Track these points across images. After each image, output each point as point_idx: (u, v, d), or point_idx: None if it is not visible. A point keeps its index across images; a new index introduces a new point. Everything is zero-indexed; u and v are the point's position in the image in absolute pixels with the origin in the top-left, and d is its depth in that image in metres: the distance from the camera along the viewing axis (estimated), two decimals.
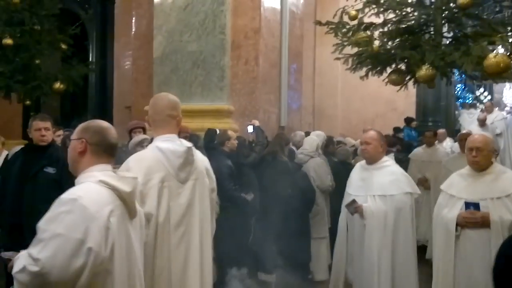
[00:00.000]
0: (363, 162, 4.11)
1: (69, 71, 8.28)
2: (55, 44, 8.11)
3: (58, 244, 1.74)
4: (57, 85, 7.99)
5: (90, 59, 11.21)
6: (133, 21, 8.01)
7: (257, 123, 6.07)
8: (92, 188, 1.91)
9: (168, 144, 2.48)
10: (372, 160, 3.95)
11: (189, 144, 2.53)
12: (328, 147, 6.47)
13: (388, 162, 4.02)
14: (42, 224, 1.80)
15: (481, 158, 3.41)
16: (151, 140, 5.77)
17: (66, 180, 3.67)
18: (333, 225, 5.93)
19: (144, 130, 6.00)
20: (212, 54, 6.72)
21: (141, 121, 6.37)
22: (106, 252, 1.83)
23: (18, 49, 7.73)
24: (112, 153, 2.07)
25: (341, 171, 6.27)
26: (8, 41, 7.45)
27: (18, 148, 4.98)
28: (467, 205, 3.39)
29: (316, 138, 6.13)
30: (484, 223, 3.28)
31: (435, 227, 3.62)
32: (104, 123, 2.12)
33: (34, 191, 4.02)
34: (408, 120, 9.79)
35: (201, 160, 2.67)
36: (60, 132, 5.53)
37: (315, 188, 5.62)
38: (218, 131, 5.81)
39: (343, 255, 4.10)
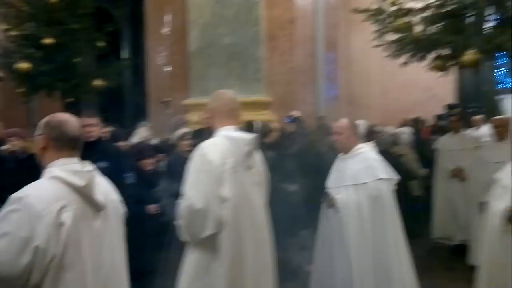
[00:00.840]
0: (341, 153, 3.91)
1: (107, 68, 8.41)
2: (92, 42, 8.23)
3: (5, 242, 1.77)
4: (96, 82, 8.13)
5: (123, 56, 11.35)
6: (168, 16, 8.04)
7: (297, 113, 6.04)
8: (42, 185, 1.92)
9: (236, 133, 2.63)
10: (345, 150, 3.76)
11: (253, 134, 2.69)
12: (370, 136, 6.35)
13: (363, 149, 3.74)
14: None
15: None
16: (194, 133, 5.88)
17: (117, 173, 3.83)
18: None
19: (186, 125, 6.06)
20: (247, 46, 6.69)
21: (182, 116, 6.45)
22: (58, 249, 1.83)
23: (58, 48, 7.90)
24: (74, 145, 2.07)
25: (384, 159, 6.17)
26: (49, 40, 7.62)
27: None
28: None
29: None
30: None
31: (487, 224, 3.34)
32: (63, 116, 2.11)
33: None
34: (450, 107, 9.52)
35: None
36: (107, 128, 5.63)
37: None
38: (257, 123, 5.80)
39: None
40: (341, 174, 3.75)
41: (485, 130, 8.34)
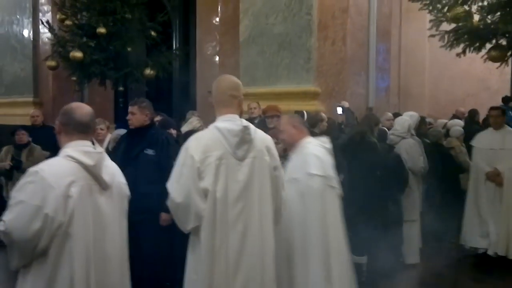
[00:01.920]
0: None
1: (158, 57, 8.59)
2: (145, 32, 8.41)
3: (19, 209, 2.07)
4: (148, 71, 8.33)
5: (174, 46, 11.55)
6: (219, 6, 8.14)
7: (346, 104, 6.01)
8: (56, 162, 2.22)
9: (226, 124, 2.54)
10: (290, 147, 3.58)
11: (246, 123, 2.57)
12: (421, 128, 6.25)
13: (308, 144, 3.48)
14: (12, 192, 2.15)
15: None
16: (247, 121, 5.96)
17: (165, 161, 3.91)
18: (425, 208, 5.79)
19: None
20: (298, 36, 6.68)
21: None
22: (65, 218, 2.11)
23: (111, 37, 8.12)
24: (83, 130, 2.31)
25: (434, 152, 6.07)
26: (101, 30, 7.86)
27: (117, 132, 5.26)
28: None
29: (408, 118, 5.94)
30: None
31: None
32: (74, 104, 2.40)
33: (136, 172, 4.09)
34: (506, 99, 9.19)
35: (262, 138, 2.69)
36: (157, 117, 5.78)
37: (407, 170, 5.47)
38: (306, 113, 5.81)
39: None
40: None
41: None
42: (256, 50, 7.09)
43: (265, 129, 5.67)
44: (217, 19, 9.31)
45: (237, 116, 2.60)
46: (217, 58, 10.04)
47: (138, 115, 4.31)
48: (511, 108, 8.90)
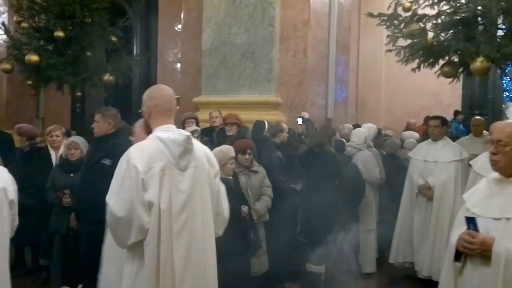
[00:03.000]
0: None
1: (118, 63, 8.45)
2: (106, 37, 8.28)
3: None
4: (107, 76, 8.19)
5: (135, 52, 11.41)
6: (182, 14, 8.12)
7: (307, 115, 6.12)
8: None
9: (168, 134, 2.51)
10: None
11: (187, 133, 2.57)
12: (377, 139, 6.44)
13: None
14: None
15: (503, 157, 2.39)
16: (207, 130, 5.94)
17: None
18: (381, 218, 5.94)
19: (196, 121, 6.14)
20: (261, 46, 6.77)
21: (193, 113, 6.53)
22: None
23: (69, 41, 7.93)
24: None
25: (390, 163, 6.26)
26: (59, 33, 7.66)
27: (72, 139, 5.15)
28: (468, 222, 2.39)
29: (365, 130, 6.11)
30: (484, 252, 2.29)
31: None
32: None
33: (93, 181, 4.06)
34: (457, 113, 9.63)
35: (200, 148, 2.70)
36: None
37: (364, 181, 5.62)
38: (267, 123, 5.88)
39: None
40: None
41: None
42: (219, 59, 7.13)
43: (224, 137, 5.74)
44: (180, 26, 9.29)
45: (174, 126, 2.59)
46: (178, 66, 10.01)
47: (101, 123, 4.27)
48: (459, 121, 9.33)
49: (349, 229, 5.19)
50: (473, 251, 2.32)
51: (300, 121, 6.05)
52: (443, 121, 5.38)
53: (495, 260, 2.24)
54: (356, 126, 6.85)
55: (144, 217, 2.36)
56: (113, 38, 8.38)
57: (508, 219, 2.30)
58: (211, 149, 4.57)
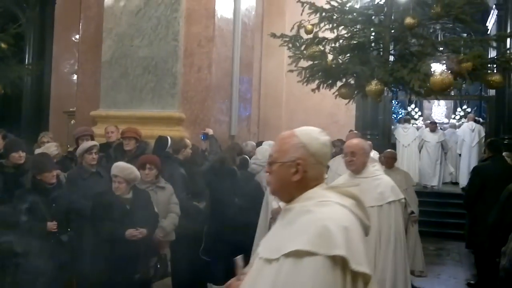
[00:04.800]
0: None
1: (7, 72, 7.86)
2: None
3: None
4: None
5: (27, 61, 10.66)
6: (81, 24, 7.74)
7: (211, 131, 6.07)
8: None
9: None
10: None
11: None
12: None
13: None
14: None
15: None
16: (104, 146, 5.66)
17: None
18: None
19: (91, 137, 5.82)
20: (164, 60, 6.63)
21: (88, 128, 6.18)
22: None
23: None
24: None
25: None
26: None
27: None
28: None
29: (268, 147, 6.19)
30: None
31: None
32: None
33: None
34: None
35: None
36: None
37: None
38: (169, 139, 5.74)
39: None
40: None
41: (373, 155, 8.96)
42: (119, 71, 6.86)
43: (122, 152, 5.50)
44: (77, 36, 8.85)
45: None
46: (75, 77, 9.51)
47: None
48: None
49: (251, 248, 5.18)
50: None
51: (203, 137, 5.99)
52: None
53: None
54: (259, 143, 6.94)
55: None
56: (3, 45, 7.78)
57: None
58: (109, 165, 4.39)
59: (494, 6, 11.27)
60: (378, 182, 3.60)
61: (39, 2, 10.67)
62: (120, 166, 4.16)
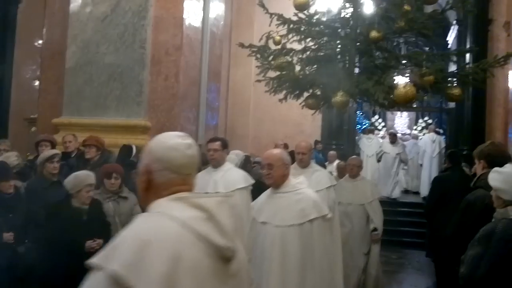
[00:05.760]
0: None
1: None
2: None
3: None
4: None
5: None
6: (44, 29, 7.56)
7: None
8: None
9: None
10: None
11: None
12: (246, 166, 6.56)
13: None
14: None
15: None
16: (62, 156, 5.53)
17: None
18: None
19: (52, 144, 5.67)
20: (131, 68, 6.56)
21: (49, 135, 6.03)
22: None
23: None
24: None
25: (256, 190, 6.40)
26: None
27: None
28: None
29: (235, 157, 6.20)
30: None
31: None
32: None
33: None
34: (316, 143, 10.27)
35: None
36: None
37: None
38: (134, 148, 5.66)
39: None
40: None
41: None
42: (84, 78, 6.73)
43: (85, 161, 5.37)
44: (41, 41, 8.65)
45: None
46: (37, 83, 9.28)
47: None
48: (319, 150, 9.98)
49: None
50: None
51: None
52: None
53: None
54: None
55: None
56: None
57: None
58: (69, 174, 4.28)
59: (454, 22, 11.69)
60: (300, 197, 3.20)
61: (1, 5, 10.38)
62: (91, 174, 4.10)
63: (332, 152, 9.26)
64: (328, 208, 3.70)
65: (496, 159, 3.36)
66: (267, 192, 3.36)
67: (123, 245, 1.33)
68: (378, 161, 11.55)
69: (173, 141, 1.58)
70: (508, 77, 7.47)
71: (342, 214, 5.26)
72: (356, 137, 12.81)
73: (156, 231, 1.36)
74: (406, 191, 12.63)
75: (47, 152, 5.06)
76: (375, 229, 5.52)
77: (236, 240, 1.50)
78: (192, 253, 1.37)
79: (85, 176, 4.05)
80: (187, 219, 1.40)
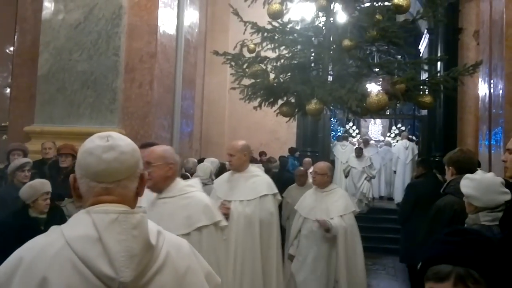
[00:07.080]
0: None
1: None
2: None
3: None
4: None
5: None
6: (16, 36, 7.44)
7: None
8: None
9: None
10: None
11: None
12: (221, 173, 6.55)
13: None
14: None
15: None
16: (39, 162, 5.44)
17: None
18: None
19: (24, 153, 5.60)
20: (104, 75, 6.49)
21: (21, 143, 5.95)
22: None
23: None
24: None
25: None
26: None
27: None
28: None
29: (209, 165, 6.20)
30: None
31: None
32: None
33: None
34: (292, 150, 10.33)
35: None
36: None
37: None
38: None
39: None
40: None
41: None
42: (56, 85, 6.63)
43: (58, 170, 5.30)
44: (12, 48, 8.50)
45: None
46: (8, 91, 9.10)
47: None
48: (294, 157, 10.05)
49: None
50: None
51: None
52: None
53: None
54: (201, 160, 6.92)
55: None
56: None
57: None
58: None
59: (426, 31, 11.97)
60: (187, 201, 2.71)
61: None
62: (46, 182, 4.03)
63: (307, 159, 9.34)
64: (260, 220, 3.84)
65: (464, 166, 3.46)
66: (152, 198, 2.74)
67: (6, 261, 1.27)
68: (346, 176, 11.38)
69: (90, 144, 1.38)
70: (478, 85, 7.69)
71: (308, 234, 4.62)
72: (331, 144, 12.94)
73: (38, 250, 1.26)
74: (380, 198, 12.80)
75: (17, 160, 5.00)
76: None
77: (138, 269, 1.26)
78: (65, 279, 1.21)
79: (40, 184, 3.96)
80: (74, 239, 1.25)
